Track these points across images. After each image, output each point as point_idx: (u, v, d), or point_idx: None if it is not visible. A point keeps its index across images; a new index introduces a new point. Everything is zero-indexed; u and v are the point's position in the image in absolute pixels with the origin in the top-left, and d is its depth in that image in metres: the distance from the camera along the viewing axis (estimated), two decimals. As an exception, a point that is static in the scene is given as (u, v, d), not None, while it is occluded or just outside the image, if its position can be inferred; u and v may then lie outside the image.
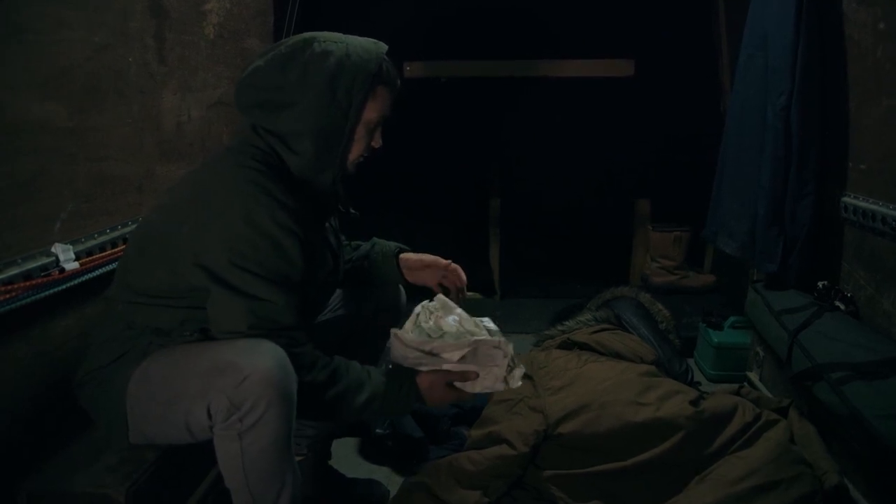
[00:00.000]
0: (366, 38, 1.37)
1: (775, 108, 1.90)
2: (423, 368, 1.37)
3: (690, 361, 2.54)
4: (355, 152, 1.38)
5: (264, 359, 1.16)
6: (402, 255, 1.68)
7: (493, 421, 1.79)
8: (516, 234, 3.60)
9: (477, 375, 1.37)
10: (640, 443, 1.60)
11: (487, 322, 1.44)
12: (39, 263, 1.38)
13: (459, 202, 3.73)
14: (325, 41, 1.31)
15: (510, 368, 1.37)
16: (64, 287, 1.43)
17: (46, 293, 1.37)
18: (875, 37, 1.69)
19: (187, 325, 1.30)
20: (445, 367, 1.35)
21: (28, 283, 1.33)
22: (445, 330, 1.40)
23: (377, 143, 1.41)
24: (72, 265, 1.45)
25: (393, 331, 1.38)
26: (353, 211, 1.50)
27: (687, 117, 3.27)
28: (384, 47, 1.36)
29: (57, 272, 1.42)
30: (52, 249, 1.43)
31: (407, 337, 1.36)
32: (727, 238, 2.24)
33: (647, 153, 3.56)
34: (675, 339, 2.46)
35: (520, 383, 1.39)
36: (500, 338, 1.38)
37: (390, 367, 1.41)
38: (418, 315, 1.44)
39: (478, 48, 3.57)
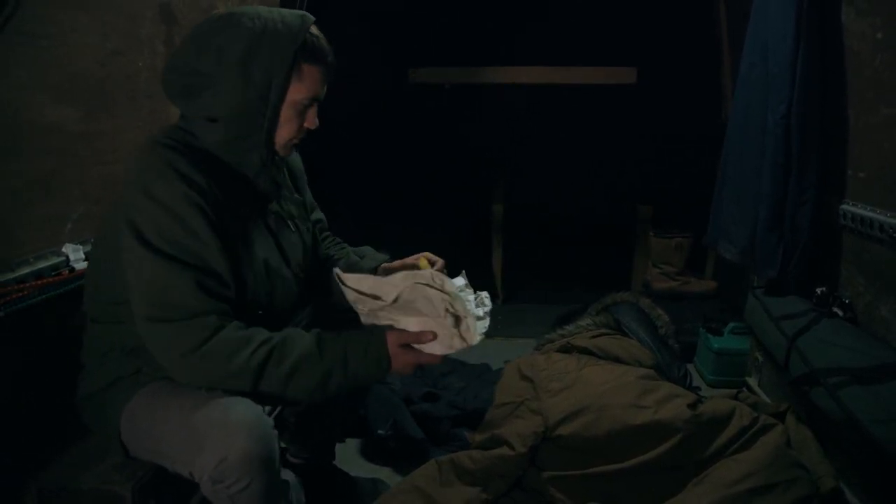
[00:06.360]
0: (292, 11, 1.25)
1: (776, 116, 1.92)
2: (366, 316, 1.29)
3: (690, 367, 2.56)
4: (284, 134, 1.28)
5: (240, 432, 1.12)
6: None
7: (495, 424, 1.81)
8: (519, 239, 3.62)
9: (434, 336, 1.26)
10: (639, 445, 1.62)
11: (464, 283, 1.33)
12: (50, 263, 1.41)
13: (463, 208, 3.76)
14: (242, 16, 1.21)
15: (458, 318, 1.26)
16: (74, 286, 1.45)
17: (57, 292, 1.40)
18: (874, 46, 1.71)
19: None
20: (400, 327, 1.27)
21: (39, 282, 1.36)
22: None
23: (311, 123, 1.30)
24: (82, 265, 1.48)
25: (335, 270, 1.30)
26: (296, 195, 1.45)
27: (688, 124, 3.29)
28: (310, 19, 1.24)
29: (67, 271, 1.45)
30: (63, 249, 1.46)
31: (347, 277, 1.28)
32: (728, 244, 2.25)
33: (648, 160, 3.59)
34: (674, 343, 2.47)
35: (479, 337, 1.26)
36: (463, 285, 1.29)
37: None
38: None
39: (481, 55, 3.60)
